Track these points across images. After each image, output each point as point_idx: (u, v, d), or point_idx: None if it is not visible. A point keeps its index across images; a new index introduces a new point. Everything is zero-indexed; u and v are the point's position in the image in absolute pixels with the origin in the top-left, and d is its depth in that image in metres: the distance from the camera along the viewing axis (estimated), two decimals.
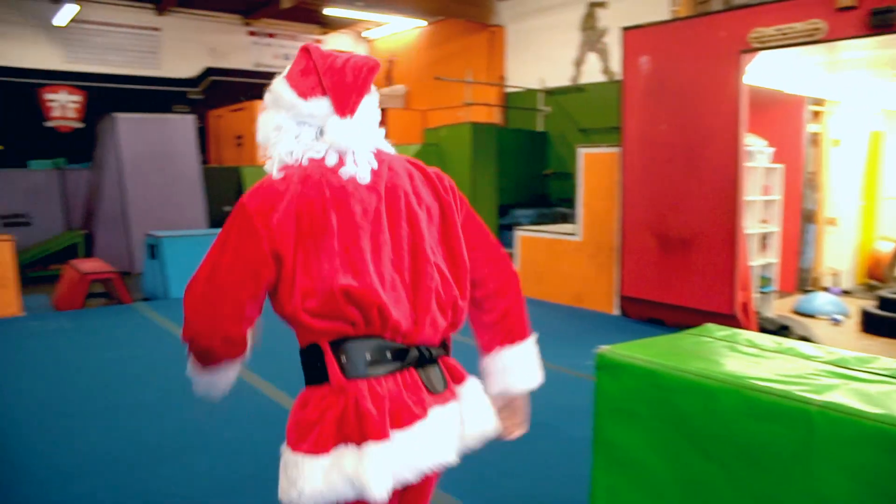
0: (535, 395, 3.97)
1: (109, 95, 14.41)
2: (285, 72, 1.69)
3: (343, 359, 1.55)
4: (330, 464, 1.49)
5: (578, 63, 12.97)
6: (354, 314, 1.54)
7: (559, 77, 13.34)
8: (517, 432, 1.89)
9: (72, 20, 14.44)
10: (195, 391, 1.71)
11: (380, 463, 1.46)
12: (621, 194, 6.97)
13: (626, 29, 6.96)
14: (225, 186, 12.86)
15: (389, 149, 1.76)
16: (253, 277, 1.54)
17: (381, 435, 1.48)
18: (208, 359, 1.62)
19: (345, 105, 1.62)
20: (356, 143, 1.63)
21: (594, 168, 7.51)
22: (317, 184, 1.58)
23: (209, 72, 16.63)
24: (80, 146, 13.97)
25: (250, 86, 16.95)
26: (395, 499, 1.62)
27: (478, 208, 12.67)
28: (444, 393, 1.64)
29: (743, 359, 2.35)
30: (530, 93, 13.90)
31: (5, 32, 14.27)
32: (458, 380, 1.72)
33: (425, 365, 1.63)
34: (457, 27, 15.53)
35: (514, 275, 1.87)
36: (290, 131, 1.65)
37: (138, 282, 8.87)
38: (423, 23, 16.06)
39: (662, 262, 6.63)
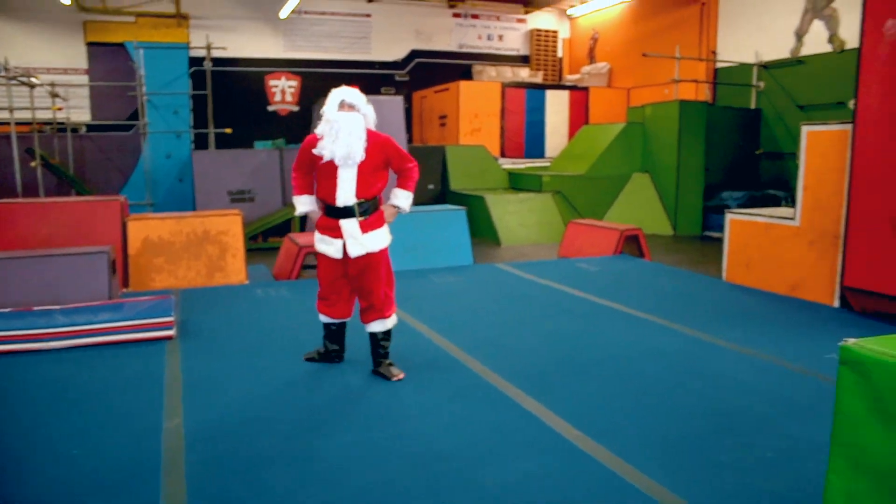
0: (756, 389, 3.73)
1: (322, 79, 15.36)
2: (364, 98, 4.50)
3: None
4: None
5: (801, 33, 11.97)
6: None
7: (777, 50, 12.42)
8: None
9: (292, 12, 15.53)
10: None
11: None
12: (850, 176, 6.31)
13: None
14: (430, 164, 13.24)
15: None
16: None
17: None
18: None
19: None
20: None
21: (819, 147, 6.87)
22: None
23: (414, 54, 17.22)
24: (297, 127, 15.08)
25: (454, 67, 17.36)
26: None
27: (683, 189, 12.13)
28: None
29: None
30: (743, 68, 13.06)
31: (239, 27, 15.73)
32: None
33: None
34: (665, 0, 14.89)
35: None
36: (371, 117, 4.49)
37: None
38: None
39: None
